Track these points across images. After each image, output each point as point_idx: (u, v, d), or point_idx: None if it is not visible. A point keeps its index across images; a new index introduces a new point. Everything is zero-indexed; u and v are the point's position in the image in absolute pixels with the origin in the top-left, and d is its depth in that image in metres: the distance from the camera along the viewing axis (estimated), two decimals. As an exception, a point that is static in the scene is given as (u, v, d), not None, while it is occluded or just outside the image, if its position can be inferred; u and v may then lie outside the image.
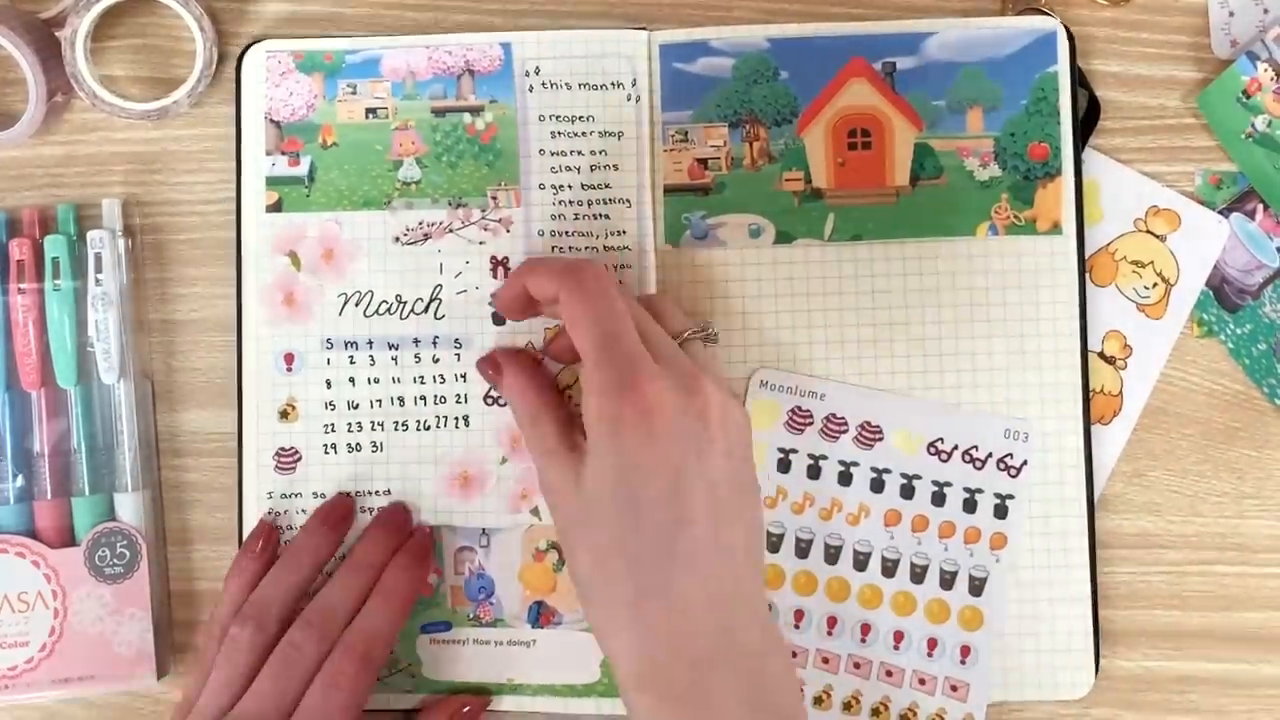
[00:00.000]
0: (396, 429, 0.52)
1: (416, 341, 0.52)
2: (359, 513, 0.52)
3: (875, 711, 0.51)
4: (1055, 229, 0.51)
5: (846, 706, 0.51)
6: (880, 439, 0.51)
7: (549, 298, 0.46)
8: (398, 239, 0.52)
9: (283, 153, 0.53)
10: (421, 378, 0.52)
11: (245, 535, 0.52)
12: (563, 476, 0.45)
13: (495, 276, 0.52)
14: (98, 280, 0.52)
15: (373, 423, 0.52)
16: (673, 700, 0.42)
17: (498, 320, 0.52)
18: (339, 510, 0.52)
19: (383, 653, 0.48)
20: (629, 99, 0.52)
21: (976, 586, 0.51)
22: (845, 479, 0.52)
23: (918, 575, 0.51)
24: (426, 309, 0.52)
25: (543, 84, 0.52)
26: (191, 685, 0.48)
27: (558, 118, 0.52)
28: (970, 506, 0.51)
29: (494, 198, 0.52)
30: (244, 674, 0.47)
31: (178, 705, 0.48)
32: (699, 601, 0.43)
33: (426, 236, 0.52)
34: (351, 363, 0.52)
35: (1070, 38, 0.51)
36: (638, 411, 0.43)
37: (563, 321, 0.46)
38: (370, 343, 0.52)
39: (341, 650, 0.47)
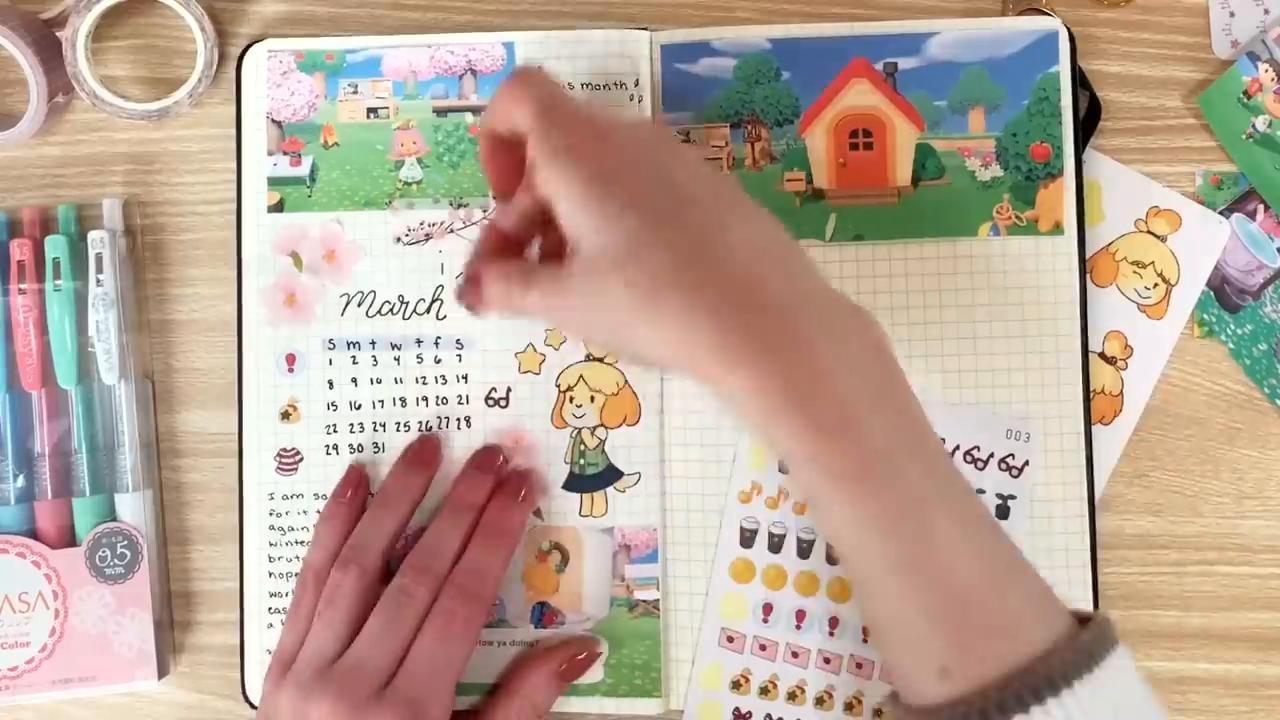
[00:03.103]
0: (398, 429, 0.52)
1: (419, 342, 0.52)
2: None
3: (877, 711, 0.51)
4: (1057, 229, 0.52)
5: (849, 707, 0.51)
6: (882, 439, 0.51)
7: (507, 117, 0.44)
8: (399, 239, 0.52)
9: (284, 153, 0.53)
10: (423, 378, 0.52)
11: (247, 535, 0.52)
12: (560, 283, 0.42)
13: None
14: (98, 280, 0.52)
15: (374, 423, 0.52)
16: (777, 355, 0.38)
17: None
18: (426, 449, 0.52)
19: (491, 591, 0.48)
20: (630, 99, 0.52)
21: (978, 586, 0.51)
22: (847, 479, 0.51)
23: (919, 575, 0.51)
24: (428, 309, 0.52)
25: (544, 84, 0.52)
26: (287, 634, 0.48)
27: (559, 118, 0.52)
28: (972, 507, 0.51)
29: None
30: (348, 619, 0.47)
31: (275, 656, 0.48)
32: (745, 253, 0.40)
33: (428, 237, 0.52)
34: (354, 363, 0.52)
35: (1071, 38, 0.52)
36: (589, 131, 0.41)
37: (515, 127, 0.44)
38: (373, 343, 0.52)
39: (451, 592, 0.47)
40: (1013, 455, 0.51)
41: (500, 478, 0.51)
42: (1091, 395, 0.52)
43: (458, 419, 0.52)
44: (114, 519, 0.52)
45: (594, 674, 0.52)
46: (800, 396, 0.38)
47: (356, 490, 0.51)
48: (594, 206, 0.40)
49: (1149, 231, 0.53)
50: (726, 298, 0.39)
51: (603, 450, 0.52)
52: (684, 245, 0.40)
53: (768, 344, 0.38)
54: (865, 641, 0.51)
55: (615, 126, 0.42)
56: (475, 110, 0.52)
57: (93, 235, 0.52)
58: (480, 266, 0.45)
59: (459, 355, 0.52)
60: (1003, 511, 0.51)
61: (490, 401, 0.52)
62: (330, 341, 0.52)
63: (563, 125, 0.42)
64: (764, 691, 0.51)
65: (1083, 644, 0.38)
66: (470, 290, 0.45)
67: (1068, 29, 0.51)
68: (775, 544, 0.52)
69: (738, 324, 0.39)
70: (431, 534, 0.49)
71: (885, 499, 0.38)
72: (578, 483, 0.52)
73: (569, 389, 0.52)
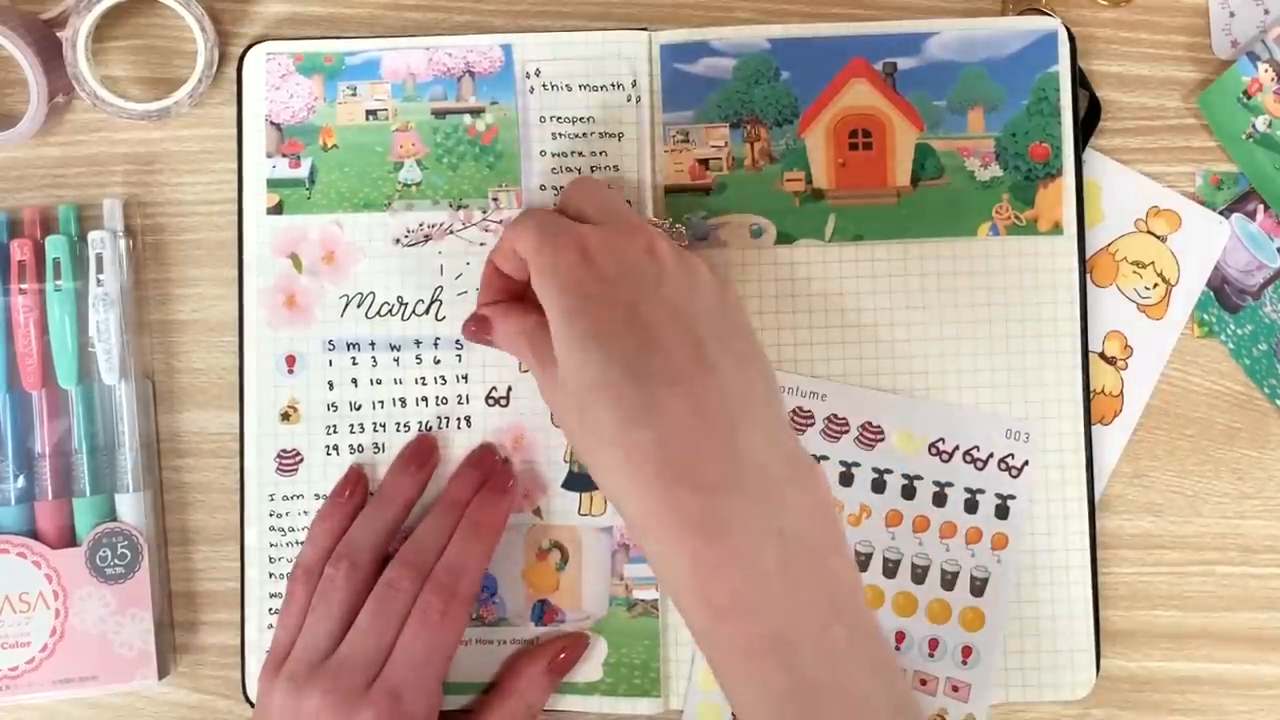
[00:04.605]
0: (398, 430, 0.52)
1: (418, 343, 0.52)
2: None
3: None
4: (1056, 229, 0.52)
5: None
6: (881, 439, 0.51)
7: (510, 253, 0.46)
8: (399, 241, 0.52)
9: (283, 155, 0.53)
10: (423, 379, 0.52)
11: (247, 536, 0.52)
12: (548, 382, 0.45)
13: (496, 277, 0.52)
14: (99, 281, 0.52)
15: (374, 424, 0.52)
16: (689, 535, 0.39)
17: None
18: (423, 448, 0.52)
19: (470, 587, 0.49)
20: (630, 100, 0.52)
21: (978, 587, 0.51)
22: (846, 480, 0.52)
23: (919, 576, 0.51)
24: (428, 310, 0.52)
25: (543, 85, 0.52)
26: (280, 631, 0.49)
27: (558, 119, 0.52)
28: (971, 507, 0.51)
29: (495, 199, 0.52)
30: (340, 614, 0.48)
31: (269, 653, 0.49)
32: (688, 420, 0.40)
33: (427, 238, 0.52)
34: (353, 364, 0.52)
35: (1071, 38, 0.51)
36: (576, 253, 0.42)
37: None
38: (372, 344, 0.52)
39: (430, 587, 0.48)
40: (1012, 455, 0.51)
41: (488, 473, 0.51)
42: (1091, 395, 0.52)
43: (458, 419, 0.52)
44: (114, 519, 0.52)
45: (593, 673, 0.52)
46: (700, 577, 0.40)
47: (354, 491, 0.51)
48: (565, 334, 0.42)
49: (1149, 231, 0.53)
50: (656, 471, 0.40)
51: (602, 450, 0.52)
52: (632, 403, 0.40)
53: (683, 522, 0.39)
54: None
55: (602, 248, 0.43)
56: (473, 112, 0.52)
57: (93, 235, 0.52)
58: (488, 312, 0.48)
59: (459, 355, 0.52)
60: (1002, 511, 0.51)
61: (490, 401, 0.52)
62: (330, 343, 0.53)
63: (553, 244, 0.43)
64: (763, 691, 0.51)
65: None
66: (479, 329, 0.49)
67: (1067, 29, 0.51)
68: (775, 544, 0.52)
69: (659, 500, 0.40)
70: (421, 530, 0.50)
71: (773, 682, 0.39)
72: (577, 481, 0.52)
73: (568, 389, 0.52)
